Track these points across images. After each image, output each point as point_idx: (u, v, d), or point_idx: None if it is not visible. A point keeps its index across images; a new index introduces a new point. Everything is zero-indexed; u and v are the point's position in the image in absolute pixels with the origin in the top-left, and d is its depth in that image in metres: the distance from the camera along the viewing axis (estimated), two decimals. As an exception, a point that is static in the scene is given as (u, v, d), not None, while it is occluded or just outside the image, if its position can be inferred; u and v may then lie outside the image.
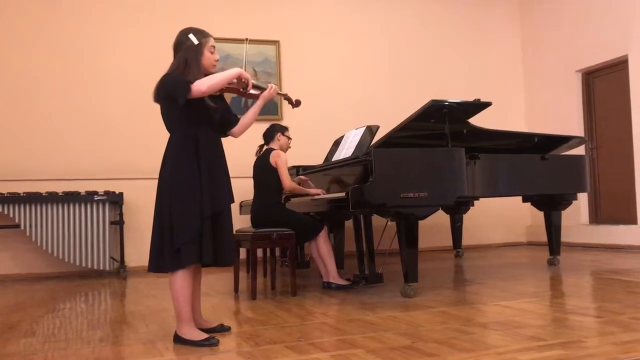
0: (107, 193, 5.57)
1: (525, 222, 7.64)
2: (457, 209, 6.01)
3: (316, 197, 4.13)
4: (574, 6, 6.99)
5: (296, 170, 4.96)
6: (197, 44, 2.63)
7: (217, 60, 2.73)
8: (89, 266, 5.46)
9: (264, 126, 4.55)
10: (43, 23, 6.00)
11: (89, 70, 6.09)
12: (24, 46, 5.94)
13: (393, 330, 2.68)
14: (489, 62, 7.70)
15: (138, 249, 5.78)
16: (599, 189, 6.81)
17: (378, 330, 2.69)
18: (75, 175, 5.88)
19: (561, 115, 7.15)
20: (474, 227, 7.15)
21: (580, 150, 5.53)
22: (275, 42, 6.72)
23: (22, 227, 5.33)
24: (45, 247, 5.36)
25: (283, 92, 3.21)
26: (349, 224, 4.82)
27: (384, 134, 3.99)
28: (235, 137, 2.90)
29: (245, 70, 2.80)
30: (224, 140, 2.79)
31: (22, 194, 5.35)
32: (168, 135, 2.68)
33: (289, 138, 4.50)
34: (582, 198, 6.69)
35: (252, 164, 4.44)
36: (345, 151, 4.32)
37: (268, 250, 4.65)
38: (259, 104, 2.86)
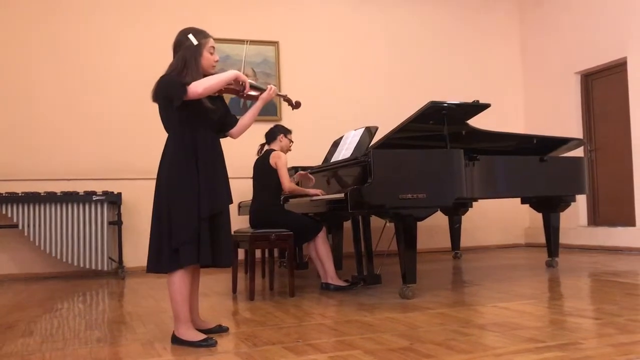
0: (105, 193, 5.57)
1: (524, 224, 7.65)
2: (456, 210, 6.02)
3: (315, 197, 4.13)
4: (573, 8, 7.00)
5: (295, 171, 4.95)
6: (196, 45, 2.62)
7: (217, 61, 2.72)
8: (87, 266, 5.46)
9: (264, 127, 4.55)
10: (42, 23, 5.99)
11: (87, 70, 6.08)
12: (23, 46, 5.93)
13: (391, 331, 2.68)
14: (488, 63, 7.71)
15: (136, 249, 5.78)
16: (598, 190, 6.82)
17: (376, 331, 2.69)
18: (73, 175, 5.87)
19: (560, 117, 7.15)
20: (472, 229, 7.15)
21: (578, 152, 5.54)
22: (275, 43, 6.73)
23: (21, 227, 5.33)
24: (43, 247, 5.36)
25: (283, 93, 3.21)
26: (347, 224, 4.82)
27: (383, 135, 3.99)
28: (234, 138, 2.89)
29: (244, 71, 2.80)
30: (223, 141, 2.79)
31: (20, 194, 5.34)
32: (166, 135, 2.68)
33: (291, 141, 4.50)
34: (581, 200, 6.70)
35: (252, 165, 4.44)
36: (344, 152, 4.32)
37: (267, 251, 4.66)
38: (258, 105, 2.85)
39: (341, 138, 4.67)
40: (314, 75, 6.84)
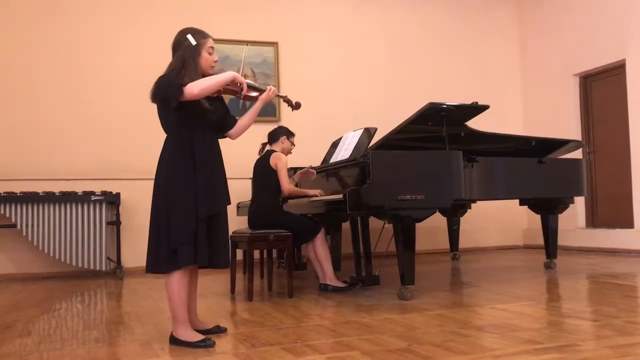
0: (104, 193, 5.57)
1: (522, 225, 7.65)
2: (454, 211, 6.02)
3: (314, 198, 4.13)
4: (572, 10, 7.01)
5: (294, 172, 4.95)
6: (195, 45, 2.62)
7: (216, 61, 2.72)
8: (86, 266, 5.45)
9: (263, 128, 4.56)
10: (42, 23, 5.99)
11: (87, 70, 6.08)
12: (23, 46, 5.92)
13: (389, 332, 2.68)
14: (487, 64, 7.72)
15: (134, 249, 5.77)
16: (596, 192, 6.83)
17: (374, 332, 2.69)
18: (72, 175, 5.87)
19: (559, 118, 7.16)
20: (471, 230, 7.15)
21: (577, 154, 5.54)
22: (274, 44, 6.73)
23: (19, 227, 5.32)
24: (41, 247, 5.35)
25: (282, 94, 3.21)
26: (346, 225, 4.82)
27: (382, 136, 3.99)
28: (233, 139, 2.89)
29: (242, 71, 2.80)
30: (221, 141, 2.78)
31: (19, 194, 5.34)
32: (165, 135, 2.68)
33: (293, 144, 4.50)
34: (579, 202, 6.71)
35: (250, 166, 4.44)
36: (342, 153, 4.32)
37: (265, 251, 4.66)
38: (257, 106, 2.85)
39: (340, 139, 4.67)
40: (313, 76, 6.84)
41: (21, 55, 5.91)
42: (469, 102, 4.01)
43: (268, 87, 2.88)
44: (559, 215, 5.04)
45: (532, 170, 4.45)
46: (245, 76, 2.83)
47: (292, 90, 5.73)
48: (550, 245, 5.04)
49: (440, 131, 3.94)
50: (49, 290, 4.74)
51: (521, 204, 5.18)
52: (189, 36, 2.63)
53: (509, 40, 7.91)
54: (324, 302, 3.67)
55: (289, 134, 4.45)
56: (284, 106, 6.15)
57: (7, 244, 5.62)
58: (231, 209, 3.66)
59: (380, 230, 4.26)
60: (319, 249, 4.12)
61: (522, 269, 5.30)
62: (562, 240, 5.54)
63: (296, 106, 3.23)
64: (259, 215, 4.16)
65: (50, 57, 5.99)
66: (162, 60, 2.80)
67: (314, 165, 4.65)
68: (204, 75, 2.64)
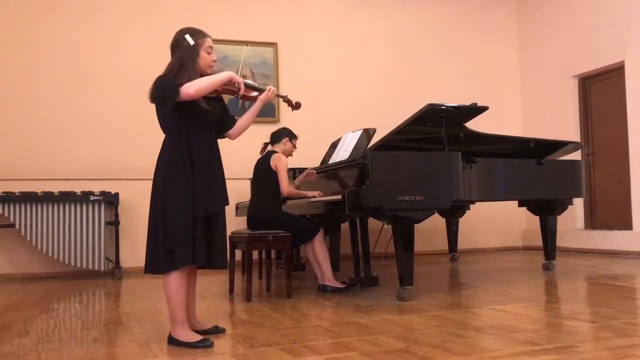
0: (102, 193, 5.56)
1: (521, 227, 7.65)
2: (453, 212, 6.02)
3: (313, 199, 4.13)
4: (572, 11, 7.01)
5: (293, 173, 4.95)
6: (193, 45, 2.62)
7: (215, 61, 2.71)
8: (84, 266, 5.45)
9: (263, 128, 4.56)
10: (42, 23, 5.99)
11: (88, 70, 6.08)
12: (23, 46, 5.92)
13: (388, 333, 2.68)
14: (486, 66, 7.73)
15: (133, 249, 5.77)
16: (595, 194, 6.83)
17: (373, 333, 2.69)
18: (71, 175, 5.87)
19: (558, 120, 7.17)
20: (469, 231, 7.16)
21: (576, 156, 5.55)
22: (273, 44, 6.73)
23: (17, 227, 5.32)
24: (40, 247, 5.35)
25: (282, 94, 3.20)
26: (345, 226, 4.82)
27: (381, 137, 3.99)
28: (232, 139, 2.89)
29: (241, 72, 2.79)
30: (220, 142, 2.78)
31: (17, 194, 5.33)
32: (164, 136, 2.68)
33: (294, 147, 4.50)
34: (578, 203, 6.71)
35: (250, 166, 4.44)
36: (342, 154, 4.32)
37: (264, 252, 4.65)
38: (256, 106, 2.84)
39: (339, 139, 4.67)
40: (313, 76, 6.84)
41: (21, 55, 5.91)
42: (468, 102, 4.02)
43: (267, 87, 2.88)
44: (558, 216, 5.04)
45: (531, 171, 4.46)
46: (244, 77, 2.82)
47: (292, 90, 5.70)
48: (549, 246, 5.04)
49: (440, 132, 3.94)
50: (47, 290, 4.74)
51: (520, 205, 5.18)
52: (188, 36, 2.63)
53: (509, 41, 7.91)
54: (322, 303, 3.67)
55: (292, 136, 4.45)
56: (283, 106, 6.16)
57: (6, 243, 5.62)
58: (230, 209, 3.66)
59: (379, 231, 4.26)
60: (318, 250, 4.12)
61: (520, 270, 5.30)
62: (560, 242, 5.54)
63: (296, 106, 3.23)
64: (258, 216, 4.16)
65: (50, 57, 5.99)
66: (161, 60, 2.80)
67: (313, 165, 4.65)
68: (202, 75, 2.64)
